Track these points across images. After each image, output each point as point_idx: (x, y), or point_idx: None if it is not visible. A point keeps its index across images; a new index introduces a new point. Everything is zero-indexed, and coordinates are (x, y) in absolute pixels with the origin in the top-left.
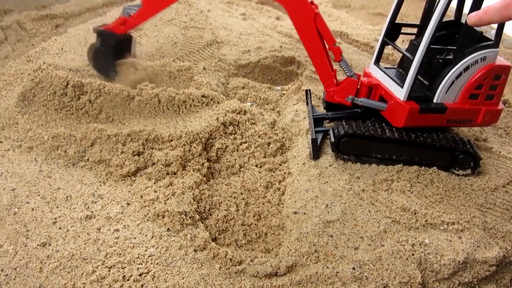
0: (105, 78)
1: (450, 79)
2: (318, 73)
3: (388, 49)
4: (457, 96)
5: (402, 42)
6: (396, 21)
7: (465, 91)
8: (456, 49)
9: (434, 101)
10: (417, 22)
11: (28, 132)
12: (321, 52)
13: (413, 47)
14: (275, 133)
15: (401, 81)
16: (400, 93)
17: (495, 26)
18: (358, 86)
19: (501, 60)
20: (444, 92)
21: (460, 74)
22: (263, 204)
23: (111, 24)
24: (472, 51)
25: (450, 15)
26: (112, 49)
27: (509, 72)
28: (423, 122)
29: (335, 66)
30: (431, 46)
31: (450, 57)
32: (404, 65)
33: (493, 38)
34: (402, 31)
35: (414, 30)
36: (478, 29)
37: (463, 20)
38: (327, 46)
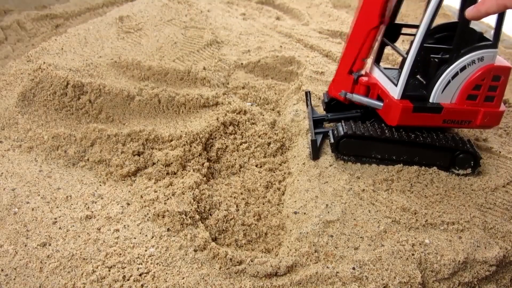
0: None
1: (446, 78)
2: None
3: (388, 49)
4: (454, 97)
5: (402, 42)
6: (396, 22)
7: (463, 91)
8: (451, 49)
9: (430, 100)
10: (417, 22)
11: (28, 132)
12: (351, 53)
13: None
14: (275, 133)
15: (396, 80)
16: (394, 91)
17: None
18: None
19: (501, 61)
20: (440, 92)
21: (456, 74)
22: (263, 204)
23: None
24: (468, 51)
25: (454, 17)
26: None
27: (509, 73)
28: (418, 122)
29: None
30: (424, 45)
31: (448, 56)
32: (402, 65)
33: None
34: (403, 32)
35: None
36: (478, 29)
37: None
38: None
